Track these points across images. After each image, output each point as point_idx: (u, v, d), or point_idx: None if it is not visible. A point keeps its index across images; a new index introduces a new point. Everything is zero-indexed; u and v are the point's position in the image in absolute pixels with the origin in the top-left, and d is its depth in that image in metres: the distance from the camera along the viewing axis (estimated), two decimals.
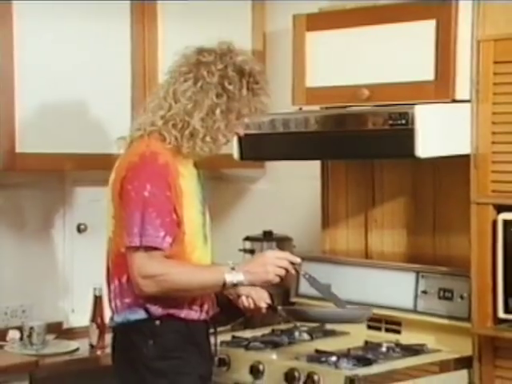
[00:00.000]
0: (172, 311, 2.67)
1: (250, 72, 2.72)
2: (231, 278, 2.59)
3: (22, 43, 3.18)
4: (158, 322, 2.67)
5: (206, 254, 2.76)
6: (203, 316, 2.74)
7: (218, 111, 2.67)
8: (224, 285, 2.61)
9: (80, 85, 3.35)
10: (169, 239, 2.63)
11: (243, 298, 2.84)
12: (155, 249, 2.60)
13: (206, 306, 2.74)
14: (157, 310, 2.66)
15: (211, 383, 2.81)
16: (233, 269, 2.60)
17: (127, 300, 2.67)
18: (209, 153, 2.72)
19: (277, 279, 2.64)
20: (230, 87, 2.67)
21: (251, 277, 2.62)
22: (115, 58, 3.49)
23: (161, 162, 2.65)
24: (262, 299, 2.86)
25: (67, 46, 3.32)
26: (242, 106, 2.70)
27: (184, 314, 2.69)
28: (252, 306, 2.85)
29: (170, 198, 2.63)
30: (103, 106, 3.39)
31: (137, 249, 2.59)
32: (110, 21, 3.45)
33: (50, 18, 3.27)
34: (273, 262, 2.64)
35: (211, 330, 2.85)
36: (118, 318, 2.69)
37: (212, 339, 2.82)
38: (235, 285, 2.63)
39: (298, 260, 2.70)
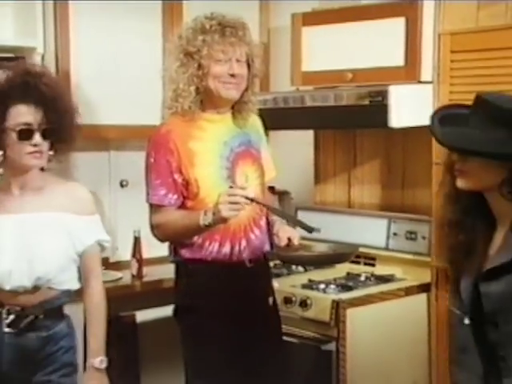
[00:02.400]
0: (199, 255, 2.56)
1: (203, 27, 2.53)
2: (202, 220, 2.43)
3: (76, 36, 3.18)
4: (190, 265, 2.59)
5: None
6: (235, 258, 2.57)
7: (191, 69, 2.51)
8: (200, 226, 2.45)
9: (121, 69, 3.32)
10: (172, 196, 2.54)
11: (274, 237, 2.65)
12: (160, 205, 2.54)
13: (237, 249, 2.57)
14: (185, 254, 2.59)
15: (243, 321, 2.56)
16: (205, 213, 2.43)
17: (172, 245, 2.67)
18: (218, 98, 2.54)
19: (232, 213, 2.39)
20: (190, 48, 2.52)
21: (214, 217, 2.40)
22: (150, 47, 3.42)
23: (162, 132, 2.56)
24: (285, 239, 2.59)
25: (112, 38, 3.30)
26: (203, 55, 2.50)
27: (212, 257, 2.55)
28: (279, 244, 2.63)
29: (172, 162, 2.52)
30: (139, 87, 3.34)
31: (149, 205, 2.58)
32: (145, 18, 3.42)
33: (99, 15, 3.25)
34: (224, 201, 2.38)
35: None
36: (170, 258, 2.68)
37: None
38: (207, 225, 2.44)
39: (251, 195, 2.43)
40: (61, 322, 2.30)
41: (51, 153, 2.29)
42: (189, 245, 2.58)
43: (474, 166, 1.87)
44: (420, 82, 3.09)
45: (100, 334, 2.33)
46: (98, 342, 2.32)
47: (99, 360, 2.30)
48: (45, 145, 2.23)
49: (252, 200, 2.43)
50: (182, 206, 2.57)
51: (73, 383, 2.30)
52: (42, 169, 2.33)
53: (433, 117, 1.99)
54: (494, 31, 2.83)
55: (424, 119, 2.97)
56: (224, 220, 2.43)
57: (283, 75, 3.51)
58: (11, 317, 2.21)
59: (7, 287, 2.22)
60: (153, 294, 3.22)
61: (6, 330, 2.22)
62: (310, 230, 2.53)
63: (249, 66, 2.60)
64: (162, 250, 2.76)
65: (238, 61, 2.55)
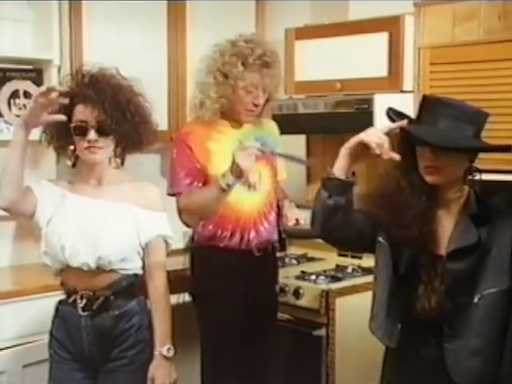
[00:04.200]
0: (212, 242, 2.65)
1: (245, 58, 2.59)
2: (223, 181, 2.46)
3: (89, 49, 3.19)
4: (204, 250, 2.67)
5: (247, 197, 2.66)
6: (244, 246, 2.65)
7: (223, 89, 2.60)
8: (222, 189, 2.46)
9: (130, 72, 3.34)
10: (198, 184, 2.61)
11: (283, 218, 2.76)
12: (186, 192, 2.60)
13: (246, 238, 2.65)
14: (199, 240, 2.68)
15: (251, 305, 2.66)
16: (223, 176, 2.46)
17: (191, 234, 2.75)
18: (237, 117, 2.65)
19: (249, 164, 2.40)
20: (228, 72, 2.59)
21: (235, 173, 2.42)
22: (155, 52, 3.44)
23: (183, 132, 2.70)
24: (293, 219, 2.71)
25: (122, 48, 3.29)
26: (239, 84, 2.59)
27: (223, 244, 2.64)
28: (287, 223, 2.75)
29: (191, 156, 2.60)
30: (146, 93, 3.37)
31: (173, 195, 2.65)
32: (151, 22, 3.42)
33: (110, 29, 3.27)
34: (240, 155, 2.40)
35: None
36: (188, 245, 2.76)
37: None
38: (229, 185, 2.45)
39: (258, 145, 2.45)
40: (131, 301, 2.30)
41: (118, 150, 2.29)
42: (204, 233, 2.66)
43: (447, 162, 1.92)
44: (402, 91, 3.15)
45: (166, 323, 2.32)
46: (165, 332, 2.31)
47: (167, 348, 2.30)
48: (102, 141, 2.23)
49: (262, 151, 2.45)
50: None
51: (146, 359, 2.30)
52: (123, 162, 2.33)
53: (393, 117, 2.01)
54: (468, 46, 2.91)
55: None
56: (243, 173, 2.42)
57: None
58: (84, 301, 2.26)
59: (74, 264, 2.25)
60: None
61: (82, 313, 2.27)
62: (306, 163, 2.69)
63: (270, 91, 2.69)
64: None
65: (263, 92, 2.65)
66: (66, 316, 2.32)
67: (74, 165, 2.31)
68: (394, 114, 2.01)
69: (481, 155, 2.02)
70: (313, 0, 3.76)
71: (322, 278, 3.10)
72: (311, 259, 3.48)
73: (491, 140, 2.03)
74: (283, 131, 3.34)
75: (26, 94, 3.18)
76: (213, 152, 2.65)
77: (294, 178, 3.78)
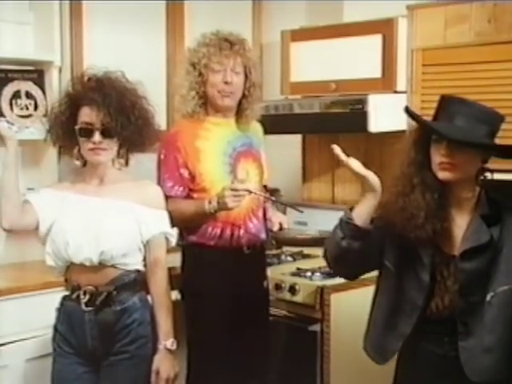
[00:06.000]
0: (203, 240, 2.66)
1: (205, 41, 2.64)
2: (207, 208, 2.54)
3: (89, 50, 3.20)
4: (195, 249, 2.67)
5: None
6: (235, 243, 2.66)
7: (192, 77, 2.64)
8: (205, 213, 2.56)
9: (128, 75, 3.34)
10: (178, 188, 2.63)
11: (267, 222, 2.79)
12: (167, 196, 2.57)
13: (236, 235, 2.66)
14: (191, 238, 2.68)
15: (241, 302, 2.64)
16: (209, 202, 2.54)
17: (180, 231, 2.72)
18: (215, 104, 2.65)
19: (236, 204, 2.50)
20: (194, 59, 2.64)
21: (219, 205, 2.52)
22: (154, 52, 3.45)
23: (172, 132, 2.70)
24: (277, 223, 2.78)
25: (121, 49, 3.29)
26: (202, 65, 2.62)
27: (214, 242, 2.65)
28: (272, 228, 2.81)
29: (178, 159, 2.61)
30: (147, 91, 3.33)
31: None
32: (149, 23, 3.43)
33: (110, 31, 3.28)
34: (228, 194, 2.48)
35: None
36: (179, 242, 2.71)
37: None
38: (212, 212, 2.55)
39: (250, 187, 2.54)
40: (133, 297, 2.33)
41: (121, 151, 2.33)
42: (194, 230, 2.67)
43: (462, 160, 1.91)
44: (395, 91, 3.18)
45: (169, 317, 2.35)
46: (168, 325, 2.34)
47: (171, 342, 2.33)
48: (107, 143, 2.26)
49: (251, 192, 2.54)
50: (188, 197, 2.67)
51: (147, 354, 2.33)
52: (127, 163, 2.37)
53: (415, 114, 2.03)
54: (459, 48, 2.94)
55: (399, 125, 3.03)
56: (228, 209, 2.54)
57: (274, 85, 3.56)
58: (87, 296, 2.29)
59: (77, 260, 2.29)
60: None
61: (85, 308, 2.30)
62: (298, 210, 2.69)
63: (246, 76, 2.69)
64: None
65: (233, 71, 2.64)
66: (69, 311, 2.35)
67: (84, 164, 2.35)
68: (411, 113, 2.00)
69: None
70: (309, 1, 3.79)
71: (318, 274, 3.09)
72: (307, 256, 3.45)
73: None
74: (279, 131, 3.37)
75: (28, 95, 3.20)
76: (201, 150, 2.66)
77: (289, 177, 3.84)
